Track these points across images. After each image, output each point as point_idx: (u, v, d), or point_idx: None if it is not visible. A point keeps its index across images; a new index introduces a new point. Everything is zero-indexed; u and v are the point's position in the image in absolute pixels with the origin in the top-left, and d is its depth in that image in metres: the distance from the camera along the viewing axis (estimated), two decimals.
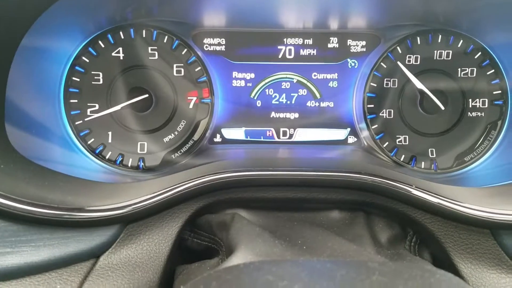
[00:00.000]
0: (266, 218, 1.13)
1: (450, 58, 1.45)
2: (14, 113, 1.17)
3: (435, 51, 1.45)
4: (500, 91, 1.45)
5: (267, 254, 0.87)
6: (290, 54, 1.50)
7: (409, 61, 1.46)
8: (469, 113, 1.46)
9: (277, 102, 1.51)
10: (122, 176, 1.39)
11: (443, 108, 1.45)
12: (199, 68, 1.46)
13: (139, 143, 1.44)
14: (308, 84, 1.51)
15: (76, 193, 1.06)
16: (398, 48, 1.46)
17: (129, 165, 1.43)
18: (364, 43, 1.49)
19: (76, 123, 1.41)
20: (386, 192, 1.12)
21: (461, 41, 1.44)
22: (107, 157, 1.43)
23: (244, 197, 1.15)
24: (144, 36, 1.42)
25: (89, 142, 1.42)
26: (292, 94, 1.51)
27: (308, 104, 1.52)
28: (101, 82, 1.42)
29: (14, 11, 1.05)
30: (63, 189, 1.06)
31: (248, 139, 1.51)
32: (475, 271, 1.05)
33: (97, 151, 1.42)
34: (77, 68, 1.41)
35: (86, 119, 1.41)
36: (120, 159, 1.43)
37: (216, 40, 1.48)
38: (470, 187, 1.22)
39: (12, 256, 0.93)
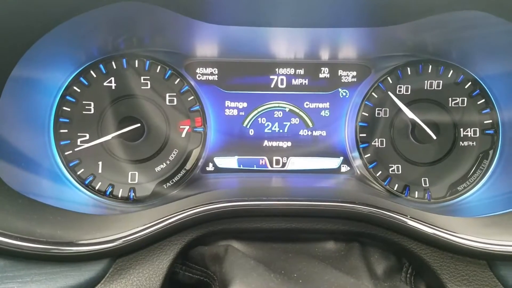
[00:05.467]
0: (261, 250, 1.11)
1: (440, 88, 1.47)
2: (3, 145, 1.15)
3: (426, 81, 1.47)
4: (490, 121, 1.47)
5: None
6: (282, 84, 1.51)
7: (399, 91, 1.48)
8: (460, 142, 1.47)
9: (270, 131, 1.51)
10: (111, 208, 1.36)
11: (434, 137, 1.46)
12: (192, 97, 1.45)
13: (130, 173, 1.42)
14: (301, 113, 1.51)
15: (66, 226, 1.03)
16: (388, 78, 1.48)
17: (119, 195, 1.41)
18: (354, 73, 1.51)
19: (66, 153, 1.39)
20: (381, 223, 1.11)
21: (451, 71, 1.47)
22: (96, 188, 1.40)
23: (237, 227, 1.13)
24: (136, 66, 1.42)
25: (78, 173, 1.40)
26: (284, 123, 1.51)
27: (301, 132, 1.52)
28: (92, 111, 1.41)
29: (4, 42, 1.05)
30: (52, 223, 1.03)
31: (241, 167, 1.50)
32: None
33: (86, 182, 1.40)
34: (68, 98, 1.39)
35: (76, 149, 1.40)
36: (110, 189, 1.40)
37: (208, 70, 1.48)
38: (464, 217, 1.21)
39: None
